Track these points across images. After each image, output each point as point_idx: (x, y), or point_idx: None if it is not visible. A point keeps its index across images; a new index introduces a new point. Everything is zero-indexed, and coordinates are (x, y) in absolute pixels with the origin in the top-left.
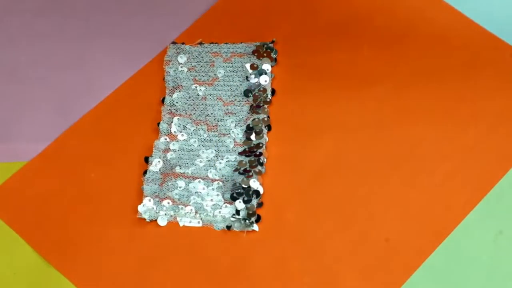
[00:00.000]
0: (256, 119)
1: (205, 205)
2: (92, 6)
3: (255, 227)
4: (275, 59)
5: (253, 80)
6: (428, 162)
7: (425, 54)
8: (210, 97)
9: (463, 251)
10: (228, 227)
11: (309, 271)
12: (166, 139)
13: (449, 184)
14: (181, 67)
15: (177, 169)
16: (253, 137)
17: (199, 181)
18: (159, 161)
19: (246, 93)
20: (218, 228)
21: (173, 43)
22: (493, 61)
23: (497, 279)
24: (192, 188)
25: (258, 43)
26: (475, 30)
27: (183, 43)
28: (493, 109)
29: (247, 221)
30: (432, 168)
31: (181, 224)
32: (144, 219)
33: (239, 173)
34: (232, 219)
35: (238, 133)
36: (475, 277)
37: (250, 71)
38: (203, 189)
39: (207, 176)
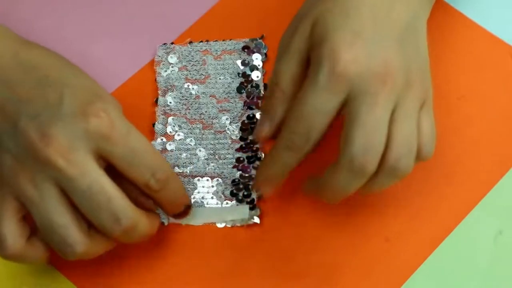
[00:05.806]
0: (251, 115)
1: (206, 203)
2: (91, 7)
3: (256, 219)
4: (266, 54)
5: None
6: (427, 161)
7: None
8: (203, 95)
9: (462, 251)
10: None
11: (309, 271)
12: (162, 139)
13: (449, 184)
14: (172, 67)
15: (176, 169)
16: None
17: (198, 179)
18: None
19: (239, 89)
20: (220, 225)
21: (164, 44)
22: (493, 61)
23: (497, 278)
24: (191, 187)
25: (247, 40)
26: (475, 30)
27: (172, 43)
28: (493, 109)
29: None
30: (432, 167)
31: (183, 223)
32: None
33: (238, 169)
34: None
35: (233, 130)
36: (475, 276)
37: (241, 67)
38: (203, 187)
39: (206, 174)
